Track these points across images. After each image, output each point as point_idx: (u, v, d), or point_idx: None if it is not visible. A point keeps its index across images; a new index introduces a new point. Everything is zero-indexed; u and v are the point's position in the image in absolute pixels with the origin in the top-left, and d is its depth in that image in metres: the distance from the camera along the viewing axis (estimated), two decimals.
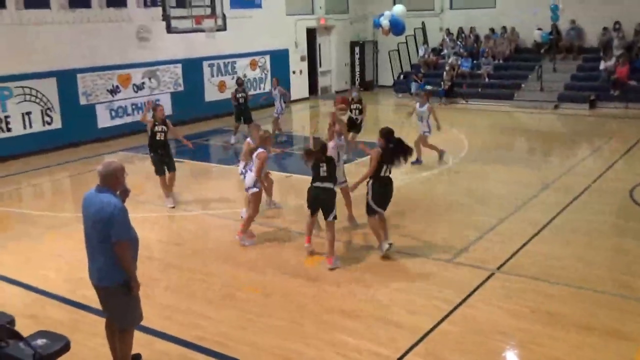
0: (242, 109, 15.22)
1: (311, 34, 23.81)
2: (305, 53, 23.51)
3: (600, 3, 20.98)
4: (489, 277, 7.16)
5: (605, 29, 21.43)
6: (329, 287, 7.05)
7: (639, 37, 20.87)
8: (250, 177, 8.55)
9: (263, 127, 10.07)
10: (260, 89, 21.19)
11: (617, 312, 6.27)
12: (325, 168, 7.70)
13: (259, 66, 21.33)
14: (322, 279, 7.25)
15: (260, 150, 8.54)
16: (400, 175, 11.70)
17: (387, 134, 7.82)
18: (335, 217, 7.75)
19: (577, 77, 21.14)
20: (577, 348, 5.63)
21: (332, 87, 25.17)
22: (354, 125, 13.27)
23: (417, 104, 12.88)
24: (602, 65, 20.30)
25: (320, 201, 7.77)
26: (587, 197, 10.24)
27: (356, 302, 6.66)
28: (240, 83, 15.49)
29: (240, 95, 15.11)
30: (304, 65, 23.52)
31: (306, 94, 23.65)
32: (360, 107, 13.46)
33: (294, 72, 22.85)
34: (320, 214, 7.97)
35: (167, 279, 7.51)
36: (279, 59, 21.99)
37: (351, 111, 13.54)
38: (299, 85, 23.02)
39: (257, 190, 8.52)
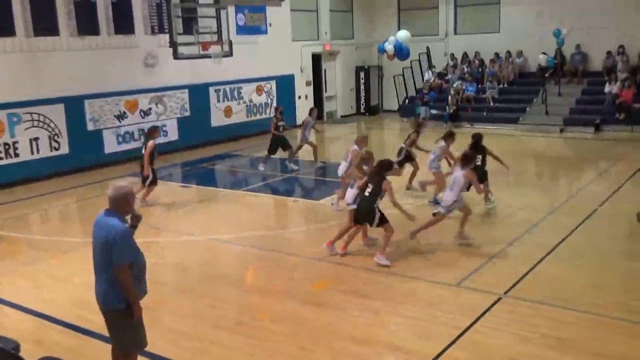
0: (280, 137, 14.98)
1: (317, 59, 24.02)
2: (311, 78, 23.70)
3: (604, 28, 21.13)
4: (497, 301, 7.12)
5: (609, 53, 21.56)
6: (338, 313, 7.02)
7: None
8: (352, 193, 8.97)
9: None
10: (266, 114, 21.31)
11: (627, 337, 6.21)
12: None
13: (265, 91, 21.49)
14: (331, 305, 7.22)
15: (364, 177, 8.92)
16: (410, 199, 11.71)
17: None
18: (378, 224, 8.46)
19: (582, 100, 21.21)
20: None
21: (338, 112, 25.31)
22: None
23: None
24: (607, 88, 20.39)
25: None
26: (594, 220, 10.21)
27: (366, 328, 6.62)
28: (281, 111, 15.39)
29: (280, 123, 14.98)
30: (310, 90, 23.69)
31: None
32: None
33: (299, 97, 23.00)
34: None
35: (174, 304, 7.49)
36: (285, 84, 22.17)
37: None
38: (304, 110, 23.11)
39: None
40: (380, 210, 8.51)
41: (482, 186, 10.34)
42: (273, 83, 21.72)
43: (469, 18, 24.70)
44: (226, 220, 11.26)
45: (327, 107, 24.94)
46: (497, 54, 23.66)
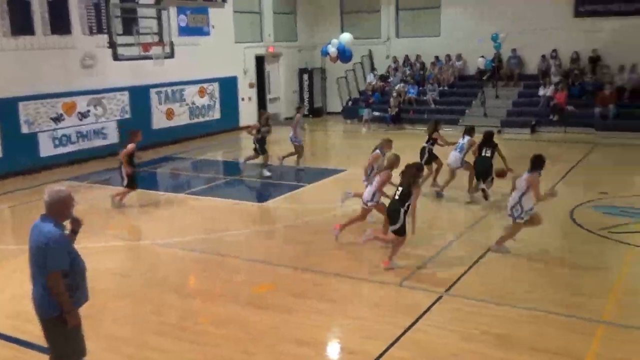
0: (262, 143, 14.48)
1: (260, 61, 23.91)
2: (254, 80, 23.57)
3: (539, 33, 21.83)
4: (438, 300, 7.23)
5: (543, 57, 22.30)
6: (282, 315, 6.98)
7: (575, 64, 21.81)
8: (369, 191, 9.21)
9: None
10: (209, 116, 21.07)
11: (565, 332, 6.40)
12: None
13: (208, 93, 21.24)
14: (275, 308, 7.17)
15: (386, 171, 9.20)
16: (350, 201, 11.77)
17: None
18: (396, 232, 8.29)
19: (519, 103, 21.86)
20: None
21: (282, 114, 25.26)
22: None
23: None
24: (541, 91, 21.11)
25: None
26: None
27: (310, 330, 6.61)
28: (267, 117, 14.99)
29: (264, 128, 14.51)
30: (253, 93, 23.56)
31: (255, 121, 23.60)
32: None
33: (242, 99, 22.84)
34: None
35: (115, 310, 7.29)
36: (228, 86, 21.97)
37: None
38: (248, 112, 23.04)
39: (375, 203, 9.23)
40: (405, 218, 8.23)
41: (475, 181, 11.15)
42: (216, 85, 21.49)
43: (411, 22, 25.09)
44: (167, 224, 11.05)
45: (271, 109, 24.75)
46: (437, 57, 24.12)
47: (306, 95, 25.91)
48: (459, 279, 7.85)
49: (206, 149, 18.85)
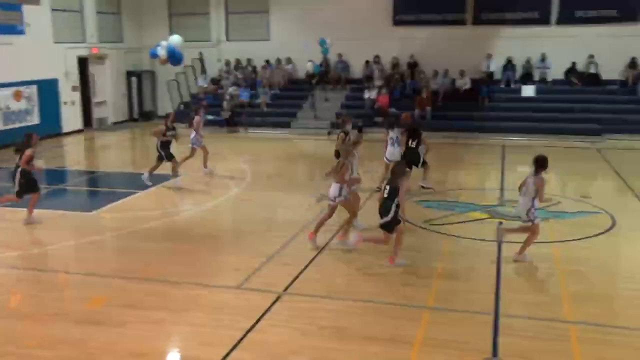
0: (166, 148, 13.36)
1: (83, 63, 22.55)
2: (78, 83, 22.17)
3: (363, 39, 23.03)
4: (277, 300, 7.32)
5: (367, 62, 23.55)
6: (118, 329, 6.62)
7: (396, 69, 23.31)
8: (335, 187, 9.08)
9: None
10: (26, 121, 19.46)
11: (396, 320, 6.79)
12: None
13: (25, 97, 19.60)
14: (109, 322, 6.77)
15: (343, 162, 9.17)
16: (186, 206, 11.57)
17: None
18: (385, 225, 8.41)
19: (346, 105, 22.83)
20: (363, 357, 5.98)
21: (109, 118, 24.05)
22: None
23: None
24: (366, 95, 22.29)
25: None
26: (363, 216, 10.97)
27: (147, 342, 6.34)
28: (173, 119, 13.81)
29: (170, 133, 13.37)
30: (76, 96, 22.15)
31: (80, 126, 22.28)
32: None
33: (65, 103, 21.41)
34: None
35: None
36: (48, 89, 20.45)
37: None
38: (71, 116, 21.64)
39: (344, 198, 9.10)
40: (396, 212, 8.34)
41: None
42: (34, 88, 19.89)
43: (241, 25, 25.16)
44: None
45: (97, 113, 23.53)
46: (268, 61, 24.44)
47: (135, 99, 24.92)
48: (296, 277, 8.00)
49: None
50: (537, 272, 8.45)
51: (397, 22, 23.32)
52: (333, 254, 9.00)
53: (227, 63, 24.79)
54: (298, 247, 9.34)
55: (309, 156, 18.50)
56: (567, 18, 22.09)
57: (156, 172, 13.40)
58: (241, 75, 24.32)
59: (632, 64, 21.84)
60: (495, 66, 22.80)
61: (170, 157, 13.30)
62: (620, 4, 21.69)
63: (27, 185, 10.67)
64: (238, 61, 24.89)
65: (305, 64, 23.88)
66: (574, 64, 22.22)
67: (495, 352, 6.02)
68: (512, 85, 22.60)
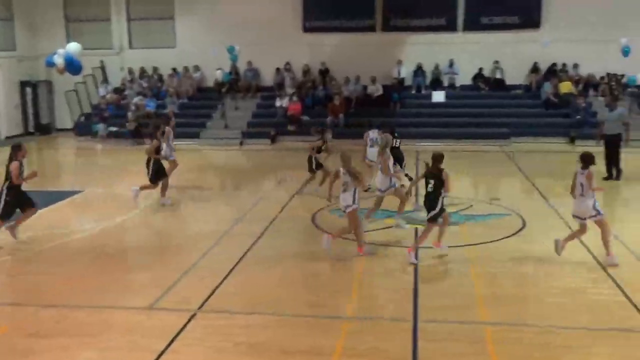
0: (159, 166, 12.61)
1: None
2: None
3: (273, 46, 23.13)
4: (191, 318, 7.19)
5: (278, 69, 23.67)
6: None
7: (307, 76, 23.55)
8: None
9: None
10: None
11: (315, 331, 6.82)
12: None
13: None
14: (13, 353, 6.38)
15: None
16: (92, 223, 11.18)
17: None
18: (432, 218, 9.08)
19: (258, 114, 22.86)
20: None
21: (2, 132, 22.86)
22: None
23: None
24: (278, 103, 22.38)
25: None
26: (277, 225, 11.03)
27: None
28: (163, 131, 13.22)
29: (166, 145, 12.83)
30: None
31: None
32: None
33: None
34: None
35: None
36: None
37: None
38: None
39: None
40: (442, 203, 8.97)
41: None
42: None
43: (144, 32, 24.67)
44: None
45: None
46: (174, 69, 24.06)
47: (31, 111, 23.84)
48: (212, 292, 7.89)
49: None
50: (452, 275, 8.76)
51: (307, 29, 23.62)
52: (251, 264, 8.95)
53: (131, 72, 24.20)
54: (215, 259, 9.23)
55: (220, 167, 18.33)
56: (473, 25, 23.17)
57: (50, 190, 12.86)
58: (146, 84, 23.81)
59: (535, 68, 23.16)
60: (406, 72, 23.52)
61: (164, 175, 12.62)
62: (522, 11, 22.96)
63: (18, 202, 9.95)
64: (143, 69, 24.36)
65: (214, 71, 23.70)
66: (480, 69, 23.29)
67: (415, 358, 6.18)
68: (423, 91, 23.38)
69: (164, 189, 12.66)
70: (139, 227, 11.62)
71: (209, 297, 7.78)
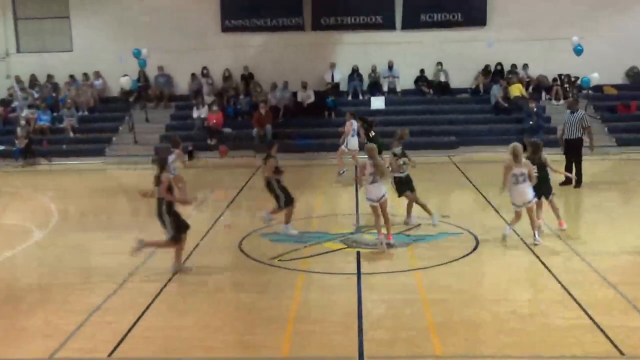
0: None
1: None
2: None
3: (188, 49, 22.95)
4: None
5: (194, 75, 23.46)
6: None
7: (228, 83, 23.44)
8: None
9: None
10: None
11: None
12: None
13: None
14: None
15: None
16: None
17: None
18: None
19: (172, 126, 22.58)
20: None
21: None
22: None
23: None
24: (195, 113, 22.15)
25: None
26: (199, 255, 10.83)
27: None
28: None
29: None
30: None
31: None
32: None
33: None
34: None
35: None
36: None
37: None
38: None
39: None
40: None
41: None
42: None
43: (35, 33, 24.06)
44: None
45: None
46: (72, 77, 23.51)
47: None
48: (123, 338, 7.65)
49: None
50: (401, 304, 8.81)
51: (226, 29, 23.58)
52: (164, 304, 8.74)
53: (19, 80, 23.47)
54: (123, 299, 8.96)
55: (131, 189, 17.89)
56: (412, 22, 23.66)
57: None
58: (38, 94, 23.14)
59: (485, 70, 23.78)
60: (340, 76, 23.76)
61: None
62: (466, 8, 23.63)
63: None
64: (34, 77, 23.67)
65: (118, 78, 23.26)
66: (422, 71, 23.80)
67: None
68: (360, 97, 23.67)
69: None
70: (31, 263, 11.20)
71: (119, 343, 7.54)
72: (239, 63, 23.54)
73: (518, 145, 10.68)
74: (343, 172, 16.92)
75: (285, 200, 11.70)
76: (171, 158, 13.57)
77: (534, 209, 10.67)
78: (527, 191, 10.48)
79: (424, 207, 12.26)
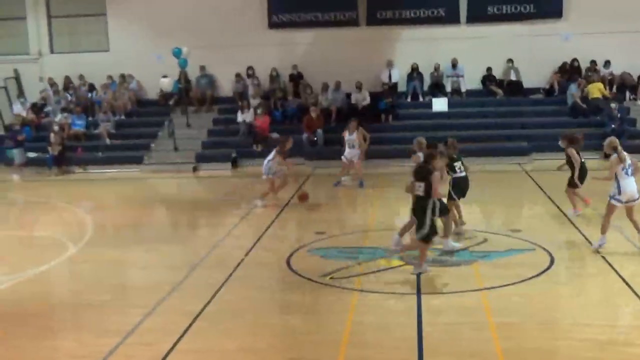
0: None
1: None
2: None
3: (232, 47, 23.10)
4: None
5: (238, 75, 23.62)
6: None
7: (276, 83, 23.51)
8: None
9: None
10: None
11: None
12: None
13: None
14: None
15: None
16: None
17: None
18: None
19: (215, 132, 22.81)
20: None
21: None
22: None
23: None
24: (240, 117, 22.24)
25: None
26: (243, 271, 10.95)
27: None
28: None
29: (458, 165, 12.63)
30: None
31: None
32: None
33: None
34: None
35: None
36: None
37: None
38: None
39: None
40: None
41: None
42: None
43: (69, 32, 24.63)
44: None
45: None
46: (110, 77, 23.95)
47: None
48: (166, 356, 7.78)
49: None
50: (465, 328, 8.75)
51: (273, 24, 23.74)
52: (207, 324, 8.86)
53: (53, 83, 24.08)
54: (162, 318, 9.11)
55: (170, 200, 18.20)
56: (478, 15, 23.43)
57: None
58: (73, 98, 23.69)
59: (563, 68, 23.33)
60: (399, 75, 23.67)
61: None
62: None
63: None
64: (68, 79, 24.25)
65: (157, 80, 23.66)
66: (490, 69, 23.53)
67: None
68: (420, 99, 23.53)
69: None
70: (64, 280, 11.47)
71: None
72: (288, 62, 23.66)
73: (612, 137, 11.34)
74: (344, 179, 18.10)
75: (441, 209, 10.96)
76: (272, 155, 15.30)
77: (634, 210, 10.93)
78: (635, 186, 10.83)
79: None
